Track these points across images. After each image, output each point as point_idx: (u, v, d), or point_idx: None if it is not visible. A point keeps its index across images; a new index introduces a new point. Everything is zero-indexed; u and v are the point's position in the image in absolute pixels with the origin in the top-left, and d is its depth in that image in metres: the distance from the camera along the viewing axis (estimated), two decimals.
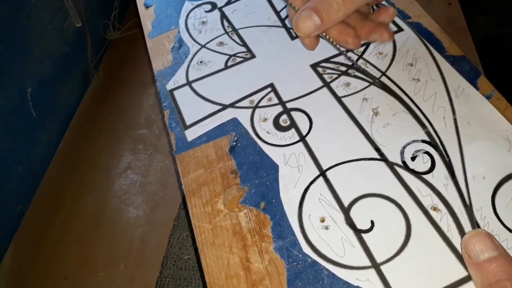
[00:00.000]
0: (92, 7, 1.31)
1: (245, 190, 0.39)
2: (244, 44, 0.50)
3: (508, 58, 0.62)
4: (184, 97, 0.47)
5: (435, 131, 0.38)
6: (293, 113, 0.43)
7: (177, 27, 0.54)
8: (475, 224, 0.33)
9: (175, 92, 0.47)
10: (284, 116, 0.43)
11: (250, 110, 0.44)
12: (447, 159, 0.37)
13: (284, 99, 0.44)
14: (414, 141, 0.38)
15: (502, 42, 0.64)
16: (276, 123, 0.42)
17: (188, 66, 0.49)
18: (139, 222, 0.61)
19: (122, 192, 0.68)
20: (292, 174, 0.39)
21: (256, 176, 0.39)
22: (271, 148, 0.41)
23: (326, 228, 0.35)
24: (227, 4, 0.55)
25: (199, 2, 0.56)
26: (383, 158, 0.38)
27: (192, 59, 0.50)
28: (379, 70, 0.44)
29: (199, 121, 0.44)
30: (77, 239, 0.62)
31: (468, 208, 0.34)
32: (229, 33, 0.52)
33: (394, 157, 0.38)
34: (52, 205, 0.68)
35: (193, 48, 0.51)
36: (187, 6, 0.56)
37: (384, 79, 0.43)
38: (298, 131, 0.41)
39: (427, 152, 0.37)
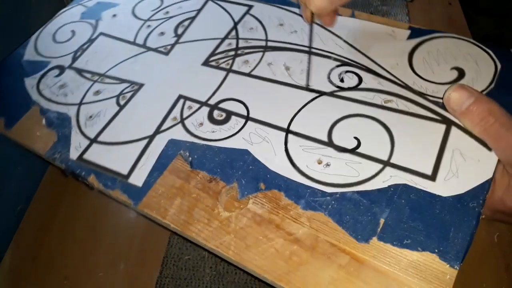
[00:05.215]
0: None
1: (235, 186, 0.36)
2: (123, 80, 0.46)
3: None
4: (99, 155, 0.40)
5: (337, 55, 0.44)
6: (221, 106, 0.42)
7: (35, 104, 0.46)
8: (419, 93, 0.39)
9: (85, 156, 0.40)
10: (216, 112, 0.42)
11: (180, 125, 0.41)
12: (364, 67, 0.42)
13: (203, 99, 0.43)
14: (331, 69, 0.43)
15: (502, 42, 0.63)
16: (214, 121, 0.41)
17: (79, 127, 0.43)
18: (139, 222, 0.57)
19: None
20: (264, 147, 0.38)
21: (235, 169, 0.37)
22: (228, 141, 0.39)
23: (327, 165, 0.36)
24: (74, 60, 0.50)
25: (41, 73, 0.49)
26: (321, 93, 0.41)
27: (78, 120, 0.44)
28: (262, 39, 0.47)
29: (135, 164, 0.39)
30: (77, 239, 0.57)
31: (407, 86, 0.40)
32: (98, 80, 0.47)
33: (328, 87, 0.41)
34: (52, 205, 0.61)
35: (71, 111, 0.45)
36: (30, 82, 0.48)
37: (270, 43, 0.47)
38: (238, 114, 0.41)
39: (347, 71, 0.42)
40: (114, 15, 0.55)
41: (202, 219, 0.35)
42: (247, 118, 0.40)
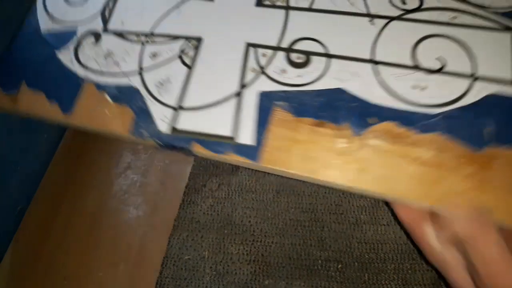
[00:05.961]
0: None
1: (346, 125, 0.38)
2: (176, 36, 0.43)
3: None
4: (192, 121, 0.39)
5: None
6: (295, 47, 0.42)
7: (85, 81, 0.42)
8: (478, 6, 0.42)
9: (178, 126, 0.39)
10: (293, 55, 0.41)
11: (263, 76, 0.41)
12: None
13: (273, 44, 0.42)
14: None
15: None
16: (295, 64, 0.41)
17: (153, 96, 0.40)
18: (139, 222, 0.59)
19: (122, 192, 0.62)
20: (358, 82, 0.39)
21: (338, 109, 0.39)
22: (319, 83, 0.40)
23: (423, 88, 0.39)
24: (106, 22, 0.44)
25: (73, 43, 0.44)
26: (390, 18, 0.42)
27: (147, 89, 0.41)
28: None
29: (236, 123, 0.39)
30: (77, 239, 0.59)
31: (465, 0, 0.42)
32: (149, 42, 0.43)
33: (394, 11, 0.42)
34: (52, 205, 0.63)
35: (134, 81, 0.41)
36: (65, 56, 0.43)
37: None
38: (317, 53, 0.41)
39: None
40: None
41: (325, 163, 0.37)
42: (328, 55, 0.41)
